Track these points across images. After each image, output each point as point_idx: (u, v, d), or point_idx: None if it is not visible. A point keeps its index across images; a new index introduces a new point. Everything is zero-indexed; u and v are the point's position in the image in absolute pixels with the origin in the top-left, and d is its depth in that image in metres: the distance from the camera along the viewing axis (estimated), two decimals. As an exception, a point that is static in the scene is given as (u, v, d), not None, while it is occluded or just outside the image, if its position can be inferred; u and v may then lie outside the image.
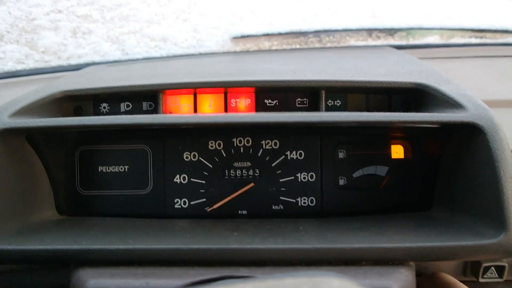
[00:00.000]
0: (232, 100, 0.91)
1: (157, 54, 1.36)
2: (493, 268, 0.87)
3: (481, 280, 0.87)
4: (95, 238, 0.73)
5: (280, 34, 1.38)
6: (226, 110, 0.91)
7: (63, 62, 1.32)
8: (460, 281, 0.82)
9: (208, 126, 0.74)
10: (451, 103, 0.76)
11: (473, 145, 0.72)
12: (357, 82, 0.83)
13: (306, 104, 0.91)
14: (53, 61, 1.31)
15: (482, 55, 1.28)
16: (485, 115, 0.71)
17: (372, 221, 0.81)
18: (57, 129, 0.76)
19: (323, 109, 0.89)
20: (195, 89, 0.88)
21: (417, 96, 0.85)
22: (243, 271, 0.66)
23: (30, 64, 1.29)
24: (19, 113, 0.78)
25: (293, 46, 1.40)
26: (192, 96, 0.91)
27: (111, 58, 1.35)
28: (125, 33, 1.32)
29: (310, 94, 0.90)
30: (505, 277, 0.86)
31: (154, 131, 0.91)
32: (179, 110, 0.92)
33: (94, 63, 1.32)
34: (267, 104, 0.91)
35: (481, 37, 1.37)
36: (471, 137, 0.73)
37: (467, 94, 0.76)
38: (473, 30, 1.36)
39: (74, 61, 1.33)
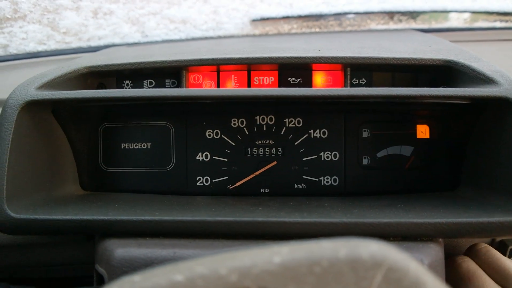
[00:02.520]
0: (256, 78, 0.90)
1: (176, 37, 1.35)
2: (520, 250, 0.85)
3: (507, 262, 0.86)
4: (121, 210, 0.73)
5: (300, 16, 1.36)
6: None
7: (84, 44, 1.32)
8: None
9: (233, 99, 0.73)
10: (482, 79, 0.74)
11: (506, 121, 0.70)
12: (384, 58, 0.82)
13: (331, 82, 0.90)
14: (74, 43, 1.31)
15: (507, 38, 1.25)
16: (519, 90, 0.69)
17: (398, 200, 0.80)
18: (83, 101, 0.76)
19: (348, 87, 0.87)
20: (218, 66, 0.88)
21: (445, 74, 0.83)
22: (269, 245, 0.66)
23: (52, 45, 1.29)
24: (45, 86, 0.78)
25: (313, 30, 1.39)
26: (215, 74, 0.91)
27: (131, 40, 1.35)
28: (145, 14, 1.31)
29: (335, 72, 0.89)
30: (532, 259, 0.84)
31: (177, 108, 0.91)
32: (202, 88, 0.91)
33: (114, 45, 1.32)
34: (291, 82, 0.90)
35: (506, 21, 1.34)
36: (504, 113, 0.71)
37: (499, 70, 0.74)
38: (498, 13, 1.33)
39: (94, 43, 1.33)
